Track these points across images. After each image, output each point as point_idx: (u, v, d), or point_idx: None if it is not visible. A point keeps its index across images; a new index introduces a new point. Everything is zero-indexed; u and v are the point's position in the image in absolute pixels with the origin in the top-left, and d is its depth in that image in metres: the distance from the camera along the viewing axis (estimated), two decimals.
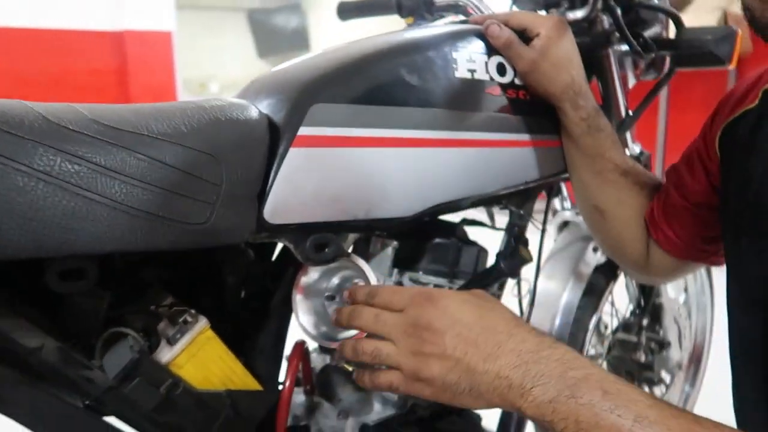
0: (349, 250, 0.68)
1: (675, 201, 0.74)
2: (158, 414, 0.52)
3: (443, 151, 0.66)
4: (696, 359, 1.32)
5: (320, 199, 0.58)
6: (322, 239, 0.60)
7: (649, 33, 0.90)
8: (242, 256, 0.69)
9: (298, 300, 0.64)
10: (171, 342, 0.54)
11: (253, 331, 0.69)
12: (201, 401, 0.55)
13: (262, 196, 0.55)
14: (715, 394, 1.36)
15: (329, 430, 0.70)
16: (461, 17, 0.94)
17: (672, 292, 1.22)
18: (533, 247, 0.98)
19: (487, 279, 0.75)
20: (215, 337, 0.57)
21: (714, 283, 1.33)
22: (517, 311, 0.93)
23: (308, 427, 0.69)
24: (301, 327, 0.64)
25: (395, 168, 0.62)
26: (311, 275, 0.65)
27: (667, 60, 0.97)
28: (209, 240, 0.50)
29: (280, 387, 0.65)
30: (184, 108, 0.54)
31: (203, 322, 0.56)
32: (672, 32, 0.93)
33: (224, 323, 0.67)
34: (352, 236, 0.62)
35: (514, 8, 0.94)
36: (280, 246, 0.71)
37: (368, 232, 0.66)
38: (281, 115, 0.58)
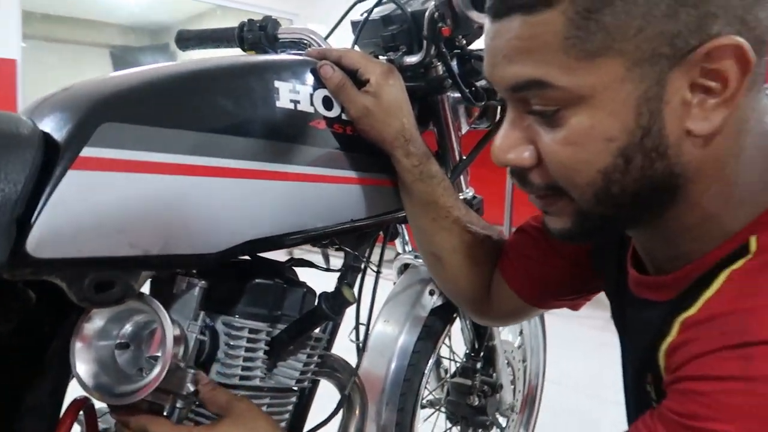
0: (148, 290, 0.60)
1: (532, 253, 0.74)
2: None
3: (257, 184, 0.61)
4: (530, 402, 1.36)
5: (103, 230, 0.51)
6: (105, 277, 0.52)
7: (481, 83, 0.94)
8: (17, 297, 0.59)
9: (78, 349, 0.55)
10: None
11: (25, 385, 0.58)
12: None
13: (25, 223, 0.47)
14: None
15: None
16: None
17: (507, 335, 1.26)
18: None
19: (309, 322, 0.70)
20: None
21: (546, 326, 1.40)
22: (354, 358, 0.90)
23: None
24: (78, 381, 0.55)
25: (198, 199, 0.57)
26: (96, 320, 0.56)
27: (498, 110, 1.02)
28: None
29: None
30: None
31: None
32: None
33: None
34: (145, 275, 0.55)
35: (356, 47, 0.94)
36: None
37: (166, 270, 0.59)
38: (62, 133, 0.51)
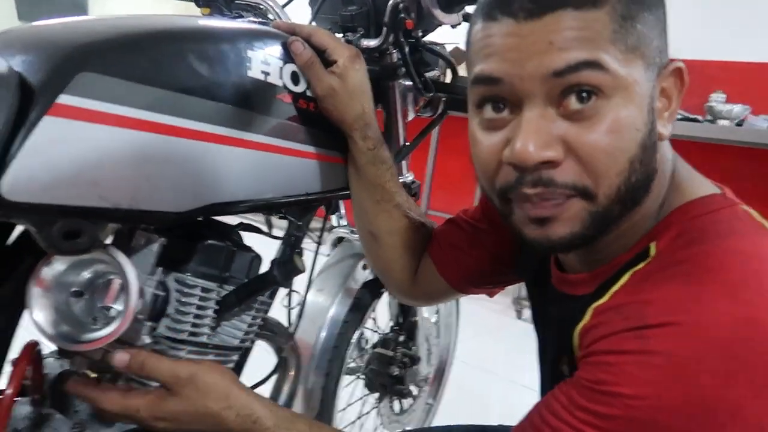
0: (108, 242, 0.60)
1: (462, 243, 0.81)
2: None
3: (224, 149, 0.63)
4: (440, 375, 1.46)
5: (76, 180, 0.51)
6: (73, 225, 0.53)
7: (429, 75, 0.99)
8: None
9: (35, 294, 0.55)
10: None
11: None
12: None
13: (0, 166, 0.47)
14: (452, 408, 1.53)
15: None
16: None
17: (425, 312, 1.34)
18: (307, 261, 1.00)
19: (258, 286, 0.73)
20: None
21: (460, 306, 1.50)
22: (285, 320, 0.94)
23: None
24: (35, 326, 0.55)
25: (169, 158, 0.58)
26: (56, 266, 0.57)
27: (442, 101, 1.07)
28: None
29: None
30: None
31: None
32: (449, 79, 1.04)
33: None
34: (112, 226, 0.56)
35: (314, 24, 0.96)
36: (17, 230, 0.61)
37: (131, 224, 0.60)
38: (39, 77, 0.50)
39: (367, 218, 0.83)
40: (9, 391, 0.52)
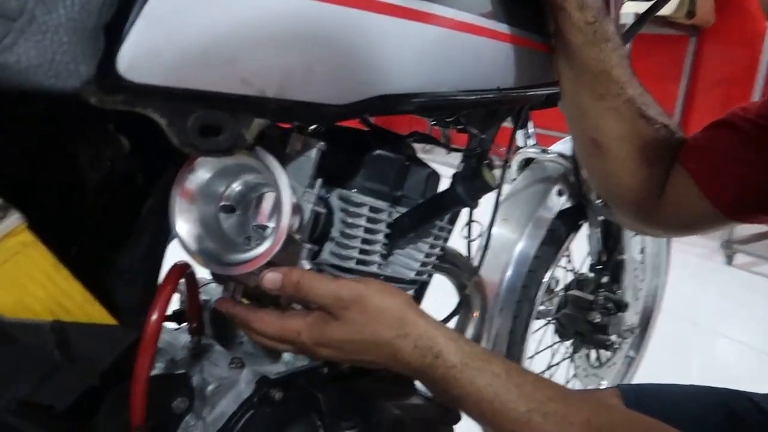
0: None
1: (743, 154, 0.59)
2: None
3: (396, 23, 0.48)
4: (644, 324, 1.23)
5: (211, 56, 0.39)
6: (211, 119, 0.41)
7: None
8: (108, 140, 0.51)
9: (178, 203, 0.46)
10: None
11: (116, 246, 0.51)
12: (5, 334, 0.37)
13: (115, 34, 0.36)
14: (649, 361, 1.30)
15: (215, 381, 0.53)
16: None
17: (633, 251, 1.11)
18: None
19: (439, 205, 0.59)
20: (36, 242, 0.39)
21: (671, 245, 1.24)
22: (465, 253, 0.80)
23: (187, 377, 0.53)
24: (178, 241, 0.47)
25: (326, 32, 0.44)
26: (200, 173, 0.47)
27: None
28: (2, 76, 0.31)
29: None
30: None
31: (15, 218, 0.37)
32: None
33: (75, 231, 0.49)
34: (258, 123, 0.44)
35: None
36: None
37: (281, 120, 0.48)
38: None
39: (587, 120, 0.63)
40: (154, 317, 0.44)
